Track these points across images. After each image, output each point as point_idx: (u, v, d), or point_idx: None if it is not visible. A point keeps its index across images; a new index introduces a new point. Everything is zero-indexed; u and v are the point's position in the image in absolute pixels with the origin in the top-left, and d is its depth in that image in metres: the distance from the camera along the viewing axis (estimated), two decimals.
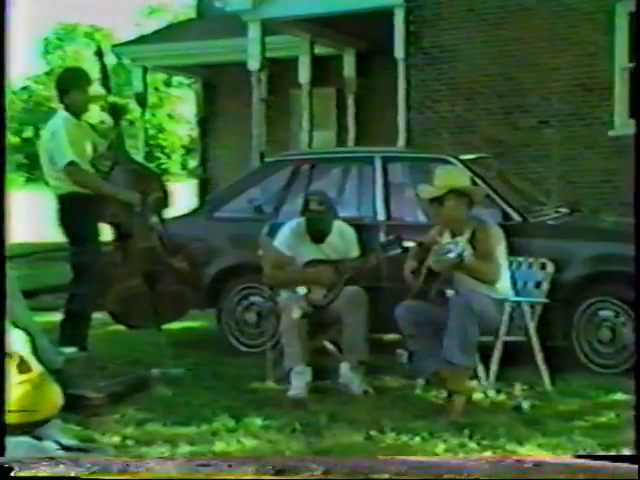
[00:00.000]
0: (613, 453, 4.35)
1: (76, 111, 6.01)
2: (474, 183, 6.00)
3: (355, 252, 6.13)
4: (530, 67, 10.54)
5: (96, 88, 6.16)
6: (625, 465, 3.55)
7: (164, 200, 6.26)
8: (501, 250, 5.52)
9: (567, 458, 3.95)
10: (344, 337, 5.82)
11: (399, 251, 5.82)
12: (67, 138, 5.83)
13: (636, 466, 3.50)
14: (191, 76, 17.65)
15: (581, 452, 4.39)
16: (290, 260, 6.05)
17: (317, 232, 6.04)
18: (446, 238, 5.50)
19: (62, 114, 6.00)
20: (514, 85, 10.65)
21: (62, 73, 6.37)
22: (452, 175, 5.60)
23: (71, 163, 5.82)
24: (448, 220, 5.50)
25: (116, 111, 6.16)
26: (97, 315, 6.40)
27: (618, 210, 8.80)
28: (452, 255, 5.23)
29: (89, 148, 5.99)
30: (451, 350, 5.15)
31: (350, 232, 6.20)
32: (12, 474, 3.57)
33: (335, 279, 5.93)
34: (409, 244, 5.70)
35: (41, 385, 4.54)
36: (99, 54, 6.19)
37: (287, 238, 6.11)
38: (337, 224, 6.17)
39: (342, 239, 6.13)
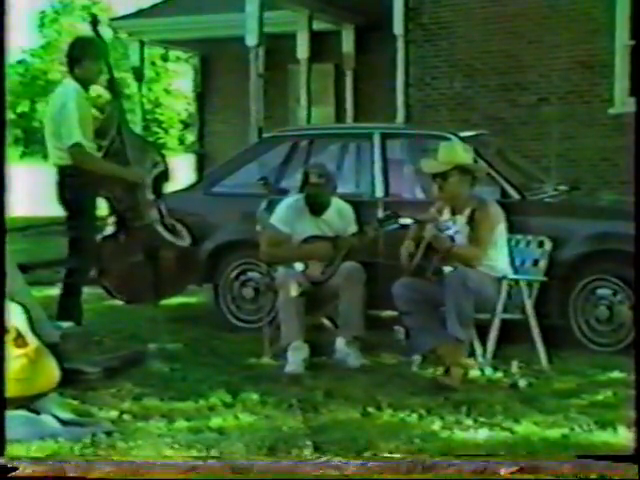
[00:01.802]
0: (609, 431, 4.36)
1: (86, 82, 5.91)
2: (474, 160, 5.98)
3: (353, 228, 6.11)
4: (530, 44, 10.48)
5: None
6: (625, 465, 3.56)
7: (165, 175, 6.23)
8: (500, 229, 5.51)
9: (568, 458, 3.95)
10: (340, 312, 5.81)
11: (396, 226, 5.81)
12: (77, 114, 5.72)
13: (636, 466, 3.51)
14: (188, 50, 17.56)
15: (577, 429, 4.40)
16: (287, 237, 6.03)
17: (317, 205, 6.02)
18: (446, 216, 5.49)
19: (73, 84, 5.87)
20: (514, 62, 10.60)
21: (75, 42, 6.20)
22: (457, 151, 5.57)
23: (76, 144, 5.74)
24: (450, 196, 5.48)
25: (115, 85, 6.09)
26: (94, 290, 6.38)
27: (617, 188, 8.78)
28: (450, 232, 5.23)
29: (92, 123, 5.93)
30: (452, 326, 5.16)
31: (348, 209, 6.18)
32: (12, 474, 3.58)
33: (332, 255, 5.91)
34: (407, 221, 5.69)
35: (38, 359, 4.54)
36: (94, 23, 6.09)
37: (284, 214, 6.09)
38: (335, 201, 6.14)
39: (340, 216, 6.12)
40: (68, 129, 5.73)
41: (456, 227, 5.39)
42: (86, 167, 5.80)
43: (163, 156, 6.46)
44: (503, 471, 3.52)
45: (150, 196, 6.13)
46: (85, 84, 5.91)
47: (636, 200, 4.46)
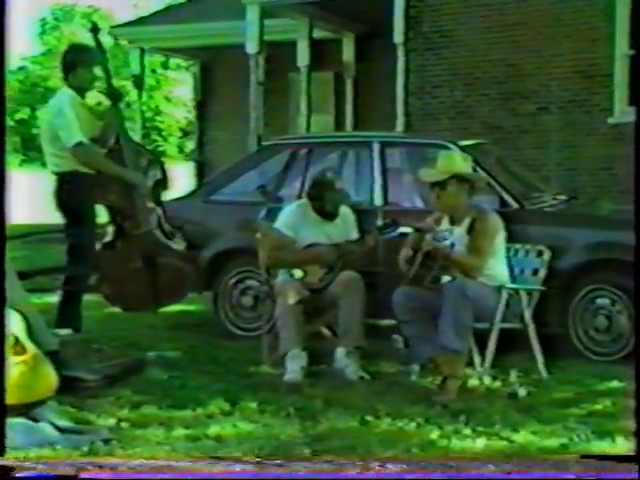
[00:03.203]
0: (608, 440, 4.36)
1: (81, 89, 5.93)
2: (473, 169, 5.98)
3: (354, 234, 6.13)
4: (530, 53, 10.50)
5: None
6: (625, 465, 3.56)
7: (164, 182, 6.23)
8: (499, 240, 5.51)
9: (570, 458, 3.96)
10: (340, 322, 5.81)
11: (396, 234, 5.82)
12: (75, 117, 5.76)
13: (636, 466, 3.50)
14: (189, 58, 17.59)
15: (576, 439, 4.39)
16: (291, 242, 6.02)
17: (335, 210, 6.05)
18: (444, 225, 5.50)
19: (68, 91, 5.90)
20: (514, 71, 10.62)
21: (69, 49, 6.24)
22: (455, 160, 5.57)
23: (79, 144, 5.75)
24: (448, 206, 5.48)
25: (114, 93, 6.09)
26: (93, 297, 6.38)
27: (616, 198, 8.79)
28: (447, 242, 5.23)
29: (91, 129, 5.94)
30: (445, 336, 5.15)
31: (350, 214, 6.20)
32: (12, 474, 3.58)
33: (334, 259, 5.91)
34: (407, 229, 5.69)
35: (36, 366, 4.54)
36: (94, 31, 6.11)
37: (289, 219, 6.08)
38: None
39: (343, 221, 6.13)
40: (67, 132, 5.74)
41: (454, 237, 5.40)
42: (91, 167, 5.82)
43: (162, 164, 6.47)
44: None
45: (149, 204, 6.14)
46: (80, 91, 5.92)
47: (636, 209, 4.46)
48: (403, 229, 5.79)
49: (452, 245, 5.31)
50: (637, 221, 4.29)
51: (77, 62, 5.92)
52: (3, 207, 4.01)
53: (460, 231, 5.42)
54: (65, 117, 5.76)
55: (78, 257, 5.92)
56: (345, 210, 6.16)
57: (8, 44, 4.02)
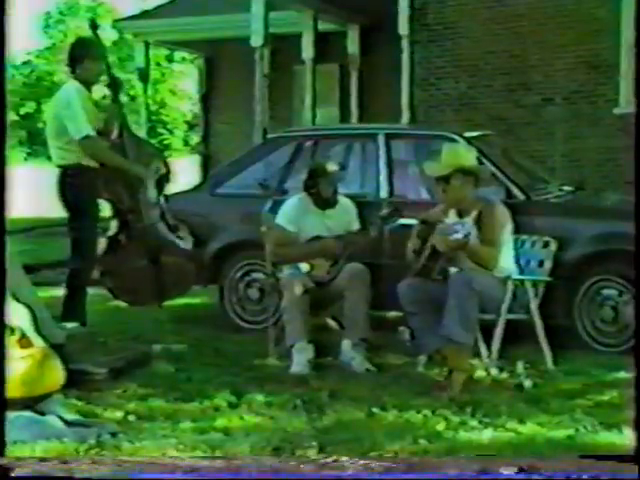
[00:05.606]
0: (615, 432, 4.35)
1: (88, 82, 5.96)
2: (478, 161, 5.96)
3: (355, 225, 6.13)
4: (535, 44, 10.47)
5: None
6: (625, 465, 3.55)
7: (166, 176, 6.24)
8: (507, 231, 5.49)
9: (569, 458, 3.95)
10: (346, 314, 5.81)
11: (399, 223, 5.82)
12: (82, 109, 5.79)
13: (636, 466, 3.50)
14: (194, 51, 17.57)
15: (582, 430, 4.39)
16: (294, 236, 6.02)
17: (334, 194, 6.03)
18: (452, 217, 5.47)
19: (75, 84, 5.93)
20: (518, 62, 10.59)
21: (76, 43, 6.28)
22: (459, 153, 5.55)
23: (87, 136, 5.79)
24: (454, 199, 5.46)
25: (116, 86, 6.10)
26: (98, 291, 6.39)
27: (622, 188, 8.76)
28: (459, 236, 5.19)
29: (95, 122, 5.96)
30: (450, 327, 5.14)
31: (350, 205, 6.20)
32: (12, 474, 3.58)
33: (340, 252, 5.90)
34: (412, 221, 5.68)
35: (43, 360, 4.55)
36: (93, 26, 6.12)
37: (291, 213, 6.09)
38: (338, 197, 6.15)
39: (344, 211, 6.13)
40: (75, 123, 5.77)
41: (465, 229, 5.34)
42: (98, 159, 5.85)
43: (164, 157, 6.49)
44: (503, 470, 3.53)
45: (152, 197, 6.14)
46: (87, 84, 5.95)
47: (636, 200, 4.45)
48: (407, 220, 5.79)
49: (469, 234, 5.24)
50: (637, 213, 4.28)
51: (85, 55, 5.95)
52: (3, 201, 4.01)
53: (469, 223, 5.39)
54: (73, 109, 5.78)
55: (81, 250, 5.93)
56: (345, 200, 6.16)
57: (9, 40, 4.02)
